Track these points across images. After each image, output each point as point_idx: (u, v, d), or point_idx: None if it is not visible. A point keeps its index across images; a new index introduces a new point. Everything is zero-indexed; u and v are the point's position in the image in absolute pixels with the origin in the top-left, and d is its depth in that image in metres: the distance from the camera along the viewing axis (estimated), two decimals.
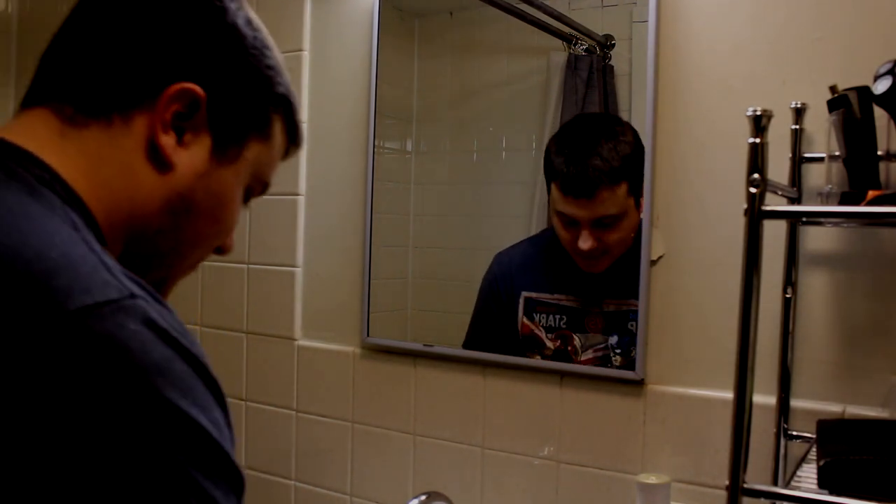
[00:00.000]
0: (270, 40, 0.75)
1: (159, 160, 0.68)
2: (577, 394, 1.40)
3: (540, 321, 1.48)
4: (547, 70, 1.52)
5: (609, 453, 1.36)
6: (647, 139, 1.32)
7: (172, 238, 0.72)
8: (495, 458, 1.48)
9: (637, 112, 1.37)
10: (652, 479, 1.24)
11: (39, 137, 0.65)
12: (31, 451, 0.48)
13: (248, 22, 0.73)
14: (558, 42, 1.51)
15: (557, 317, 1.47)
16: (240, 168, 0.74)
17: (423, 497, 1.39)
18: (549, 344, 1.46)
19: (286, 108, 0.77)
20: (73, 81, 0.67)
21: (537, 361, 1.44)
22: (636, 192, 1.35)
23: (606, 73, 1.46)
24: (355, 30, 1.65)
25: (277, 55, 0.76)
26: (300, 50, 1.71)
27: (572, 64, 1.48)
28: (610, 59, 1.45)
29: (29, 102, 0.69)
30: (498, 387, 1.48)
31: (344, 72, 1.67)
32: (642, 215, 1.34)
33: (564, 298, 1.47)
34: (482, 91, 1.63)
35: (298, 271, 1.72)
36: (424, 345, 1.56)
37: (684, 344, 1.31)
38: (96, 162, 0.66)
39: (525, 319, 1.50)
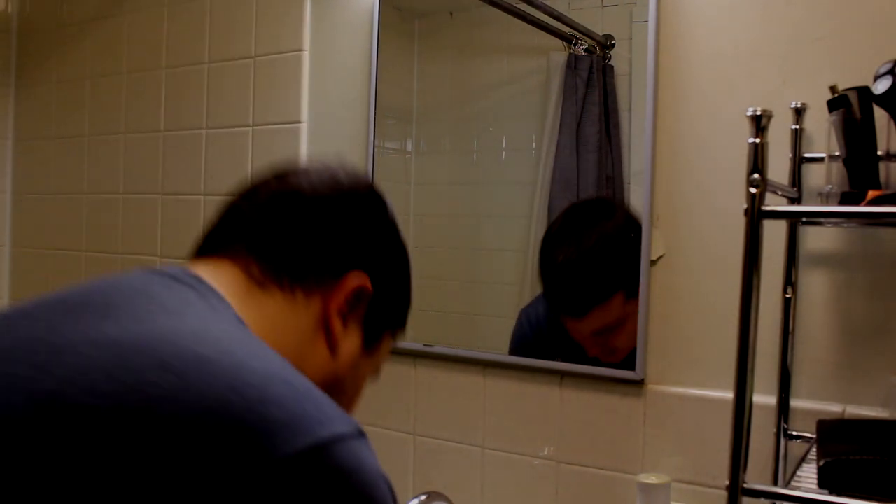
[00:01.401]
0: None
1: (330, 341, 0.75)
2: (577, 394, 1.40)
3: None
4: (547, 70, 1.52)
5: (609, 453, 1.36)
6: (647, 139, 1.32)
7: None
8: (495, 458, 1.48)
9: (637, 112, 1.37)
10: (652, 479, 1.24)
11: (229, 287, 0.70)
12: None
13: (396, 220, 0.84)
14: (558, 42, 1.51)
15: None
16: (377, 360, 0.82)
17: (423, 497, 1.39)
18: None
19: (409, 306, 0.86)
20: (264, 247, 0.73)
21: (537, 361, 1.44)
22: (634, 294, 1.33)
23: (606, 72, 1.46)
24: (355, 30, 1.65)
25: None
26: (300, 50, 1.71)
27: (572, 64, 1.48)
28: (610, 59, 1.45)
29: (215, 248, 0.76)
30: (498, 387, 1.48)
31: (344, 72, 1.67)
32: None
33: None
34: (482, 91, 1.63)
35: None
36: (424, 345, 1.55)
37: (684, 344, 1.31)
38: (276, 326, 0.71)
39: None
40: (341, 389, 0.77)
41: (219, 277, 0.71)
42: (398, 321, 0.84)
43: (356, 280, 0.75)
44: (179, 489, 0.52)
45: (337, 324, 0.74)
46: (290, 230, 0.74)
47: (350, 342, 0.77)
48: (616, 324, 1.37)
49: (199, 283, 0.69)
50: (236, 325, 0.66)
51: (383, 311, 0.80)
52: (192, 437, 0.53)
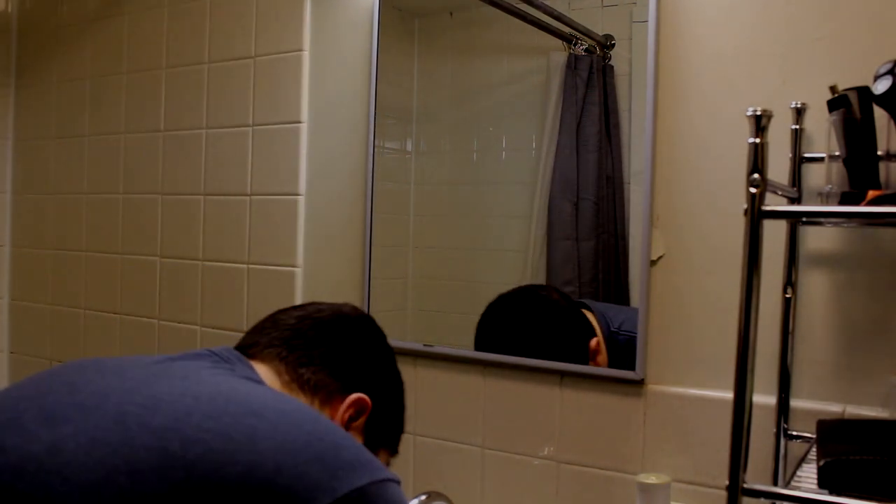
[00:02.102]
0: None
1: None
2: (576, 394, 1.40)
3: None
4: (547, 70, 1.52)
5: (609, 453, 1.36)
6: (647, 139, 1.32)
7: None
8: (495, 458, 1.48)
9: (637, 112, 1.37)
10: (652, 479, 1.24)
11: (268, 379, 0.90)
12: None
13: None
14: (558, 42, 1.51)
15: None
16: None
17: (423, 497, 1.39)
18: None
19: (401, 432, 1.04)
20: (293, 360, 0.93)
21: (537, 361, 1.44)
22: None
23: (606, 73, 1.46)
24: (355, 30, 1.65)
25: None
26: (300, 50, 1.71)
27: (572, 64, 1.48)
28: (610, 59, 1.45)
29: (252, 352, 0.94)
30: (498, 387, 1.48)
31: (344, 72, 1.67)
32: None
33: None
34: (482, 91, 1.63)
35: (298, 271, 1.72)
36: (424, 345, 1.55)
37: (684, 344, 1.31)
38: None
39: None
40: None
41: (260, 370, 0.90)
42: (392, 441, 1.02)
43: (358, 395, 0.94)
44: None
45: None
46: (312, 351, 0.94)
47: None
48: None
49: (250, 369, 0.90)
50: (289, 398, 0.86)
51: (380, 427, 0.98)
52: (282, 471, 0.69)
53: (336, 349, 0.95)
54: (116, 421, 0.71)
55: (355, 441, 0.78)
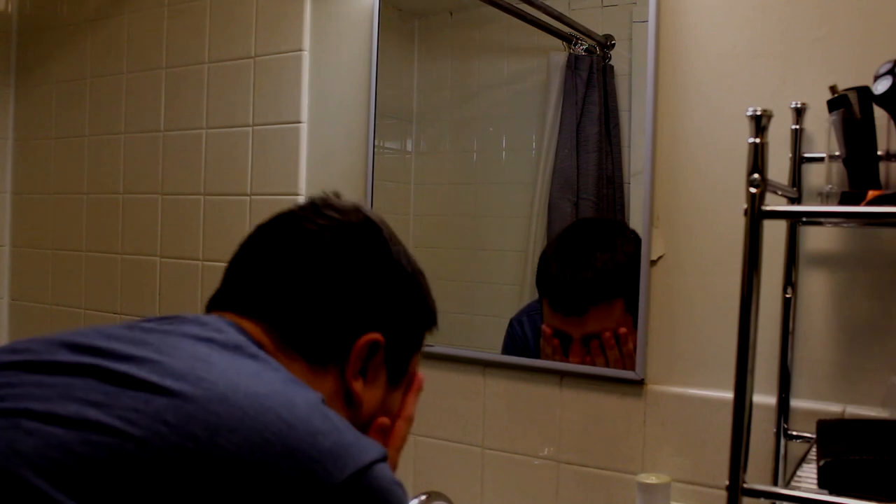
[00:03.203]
0: (415, 260, 0.89)
1: (351, 400, 0.81)
2: (577, 394, 1.40)
3: None
4: (547, 70, 1.52)
5: (609, 453, 1.36)
6: (647, 139, 1.32)
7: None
8: (495, 458, 1.48)
9: (637, 112, 1.37)
10: (652, 479, 1.24)
11: (261, 342, 0.77)
12: None
13: (405, 255, 0.87)
14: (558, 42, 1.51)
15: None
16: (407, 383, 0.90)
17: (423, 497, 1.39)
18: None
19: (433, 318, 0.92)
20: (283, 322, 0.79)
21: (537, 361, 1.44)
22: (633, 310, 1.33)
23: (606, 73, 1.46)
24: (355, 30, 1.65)
25: (425, 279, 0.91)
26: (300, 50, 1.71)
27: (572, 64, 1.48)
28: (610, 59, 1.45)
29: (236, 307, 0.80)
30: (498, 387, 1.48)
31: (344, 72, 1.67)
32: (639, 336, 1.32)
33: None
34: (482, 91, 1.63)
35: None
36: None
37: (684, 344, 1.31)
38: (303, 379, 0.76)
39: None
40: (370, 426, 0.84)
41: (249, 330, 0.78)
42: (418, 342, 0.91)
43: (366, 338, 0.81)
44: None
45: (357, 384, 0.81)
46: (301, 307, 0.79)
47: (375, 388, 0.84)
48: (608, 333, 1.36)
49: (242, 333, 0.76)
50: (278, 367, 0.74)
51: (403, 346, 0.87)
52: (254, 466, 0.62)
53: (334, 291, 0.80)
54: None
55: (335, 419, 0.69)
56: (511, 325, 1.51)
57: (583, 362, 1.38)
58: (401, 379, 0.88)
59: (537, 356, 1.44)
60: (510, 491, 1.46)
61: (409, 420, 0.91)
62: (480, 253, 1.61)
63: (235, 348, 0.73)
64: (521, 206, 1.56)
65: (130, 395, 0.64)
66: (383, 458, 0.69)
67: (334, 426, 0.67)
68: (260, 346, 0.76)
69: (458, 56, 1.65)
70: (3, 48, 2.26)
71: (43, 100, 2.22)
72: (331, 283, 0.80)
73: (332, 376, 0.80)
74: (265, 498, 0.61)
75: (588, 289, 1.37)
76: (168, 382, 0.65)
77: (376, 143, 1.61)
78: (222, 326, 0.76)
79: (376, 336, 0.81)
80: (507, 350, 1.50)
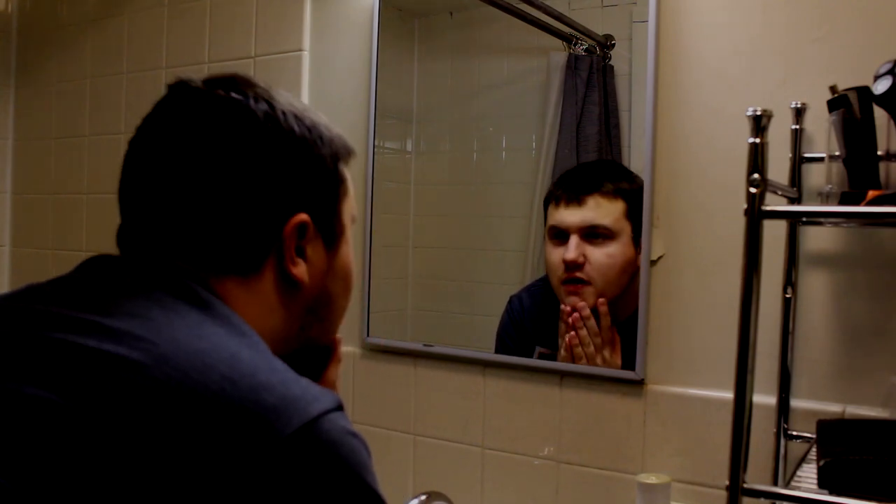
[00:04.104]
0: (311, 111, 0.80)
1: (295, 285, 0.76)
2: (577, 394, 1.40)
3: None
4: (547, 70, 1.52)
5: (609, 453, 1.36)
6: (647, 139, 1.32)
7: (320, 322, 0.81)
8: (495, 458, 1.48)
9: (637, 112, 1.37)
10: (652, 479, 1.24)
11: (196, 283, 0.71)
12: None
13: (290, 110, 0.77)
14: (558, 42, 1.51)
15: None
16: (346, 234, 0.82)
17: (423, 497, 1.39)
18: None
19: (345, 150, 0.82)
20: (195, 240, 0.73)
21: (537, 361, 1.44)
22: (636, 231, 1.33)
23: (606, 73, 1.46)
24: (355, 30, 1.65)
25: (321, 118, 0.81)
26: (300, 50, 1.71)
27: (572, 64, 1.48)
28: (610, 59, 1.45)
29: (150, 244, 0.77)
30: (498, 387, 1.48)
31: (344, 72, 1.67)
32: (640, 262, 1.32)
33: None
34: (482, 91, 1.63)
35: None
36: (424, 345, 1.56)
37: (684, 344, 1.31)
38: (236, 307, 0.71)
39: None
40: (328, 296, 0.80)
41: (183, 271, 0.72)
42: (339, 188, 0.80)
43: (290, 225, 0.74)
44: (185, 479, 0.57)
45: (298, 269, 0.76)
46: (214, 221, 0.73)
47: (315, 261, 0.78)
48: (607, 233, 1.35)
49: (174, 275, 0.71)
50: (224, 314, 0.69)
51: (327, 206, 0.78)
52: (195, 425, 0.58)
53: (238, 192, 0.72)
54: None
55: (281, 372, 0.64)
56: (510, 301, 1.51)
57: (576, 257, 1.35)
58: (336, 233, 0.80)
59: (534, 330, 1.45)
60: (510, 491, 1.46)
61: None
62: (480, 253, 1.61)
63: (174, 299, 0.68)
64: (521, 206, 1.56)
65: (68, 361, 0.60)
66: (335, 408, 0.64)
67: (281, 379, 0.63)
68: (197, 284, 0.70)
69: (458, 56, 1.65)
70: (3, 48, 2.26)
71: (43, 100, 2.22)
72: (232, 186, 0.72)
73: (270, 274, 0.75)
74: (213, 459, 0.57)
75: (587, 174, 1.38)
76: (107, 346, 0.61)
77: (376, 143, 1.61)
78: (156, 272, 0.71)
79: (301, 217, 0.74)
80: (503, 328, 1.50)
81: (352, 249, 0.83)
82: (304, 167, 0.76)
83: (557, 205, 1.39)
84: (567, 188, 1.39)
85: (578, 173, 1.41)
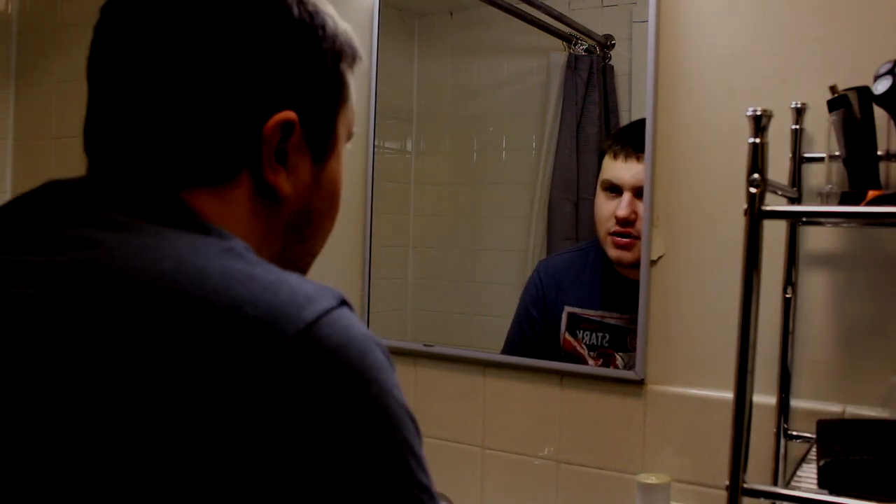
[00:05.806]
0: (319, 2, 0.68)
1: (274, 196, 0.66)
2: (577, 394, 1.40)
3: (583, 338, 1.44)
4: (547, 70, 1.52)
5: (609, 453, 1.36)
6: (647, 139, 1.32)
7: (301, 243, 0.72)
8: (495, 458, 1.48)
9: (637, 112, 1.37)
10: (652, 479, 1.24)
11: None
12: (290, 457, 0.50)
13: None
14: (558, 42, 1.51)
15: (600, 335, 1.42)
16: (338, 148, 0.71)
17: None
18: (591, 363, 1.42)
19: (350, 53, 0.71)
20: (155, 147, 0.63)
21: (537, 361, 1.44)
22: None
23: (606, 73, 1.46)
24: (355, 30, 1.63)
25: (329, 8, 0.70)
26: None
27: (572, 64, 1.48)
28: (610, 59, 1.45)
29: (110, 155, 0.65)
30: (498, 387, 1.48)
31: None
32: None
33: (609, 315, 1.42)
34: (482, 91, 1.63)
35: None
36: (424, 345, 1.56)
37: (684, 344, 1.31)
38: (214, 220, 0.62)
39: (567, 335, 1.46)
40: (312, 212, 0.70)
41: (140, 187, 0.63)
42: (338, 94, 0.69)
43: (272, 122, 0.63)
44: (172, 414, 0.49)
45: (279, 177, 0.65)
46: (178, 122, 0.62)
47: (300, 171, 0.67)
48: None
49: (129, 192, 0.62)
50: (191, 226, 0.60)
51: (320, 110, 0.67)
52: (174, 365, 0.49)
53: (213, 76, 0.61)
54: None
55: (263, 276, 0.54)
56: (538, 264, 1.52)
57: (629, 213, 1.35)
58: (328, 145, 0.69)
59: (567, 288, 1.47)
60: (510, 491, 1.46)
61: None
62: (480, 253, 1.61)
63: (125, 220, 0.58)
64: (521, 206, 1.56)
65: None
66: (335, 306, 0.54)
67: (263, 285, 0.53)
68: (161, 198, 0.61)
69: (458, 56, 1.65)
70: (3, 48, 2.26)
71: (43, 100, 2.22)
72: (206, 67, 0.61)
73: (247, 182, 0.64)
74: (203, 391, 0.49)
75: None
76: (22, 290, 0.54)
77: (376, 143, 1.62)
78: (114, 191, 0.62)
79: (287, 115, 0.63)
80: (528, 290, 1.51)
81: (343, 168, 0.73)
82: (298, 57, 0.65)
83: (615, 158, 1.39)
84: (626, 143, 1.38)
85: (639, 129, 1.37)
